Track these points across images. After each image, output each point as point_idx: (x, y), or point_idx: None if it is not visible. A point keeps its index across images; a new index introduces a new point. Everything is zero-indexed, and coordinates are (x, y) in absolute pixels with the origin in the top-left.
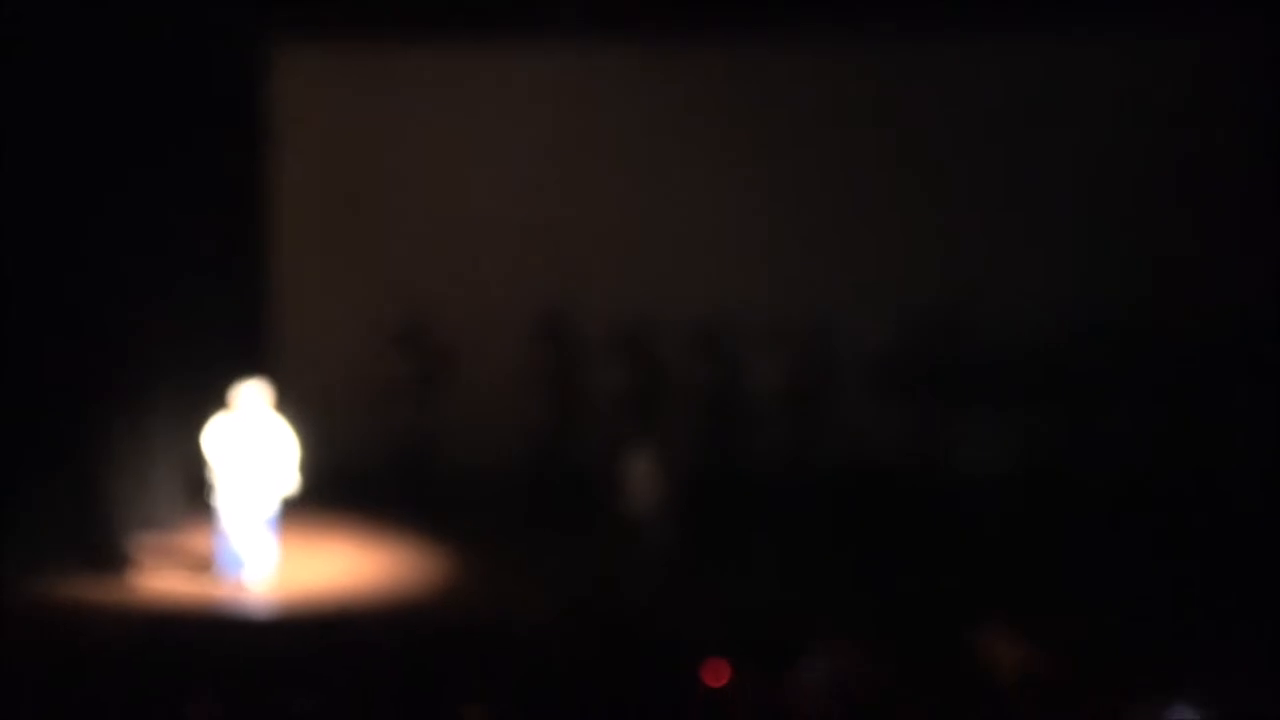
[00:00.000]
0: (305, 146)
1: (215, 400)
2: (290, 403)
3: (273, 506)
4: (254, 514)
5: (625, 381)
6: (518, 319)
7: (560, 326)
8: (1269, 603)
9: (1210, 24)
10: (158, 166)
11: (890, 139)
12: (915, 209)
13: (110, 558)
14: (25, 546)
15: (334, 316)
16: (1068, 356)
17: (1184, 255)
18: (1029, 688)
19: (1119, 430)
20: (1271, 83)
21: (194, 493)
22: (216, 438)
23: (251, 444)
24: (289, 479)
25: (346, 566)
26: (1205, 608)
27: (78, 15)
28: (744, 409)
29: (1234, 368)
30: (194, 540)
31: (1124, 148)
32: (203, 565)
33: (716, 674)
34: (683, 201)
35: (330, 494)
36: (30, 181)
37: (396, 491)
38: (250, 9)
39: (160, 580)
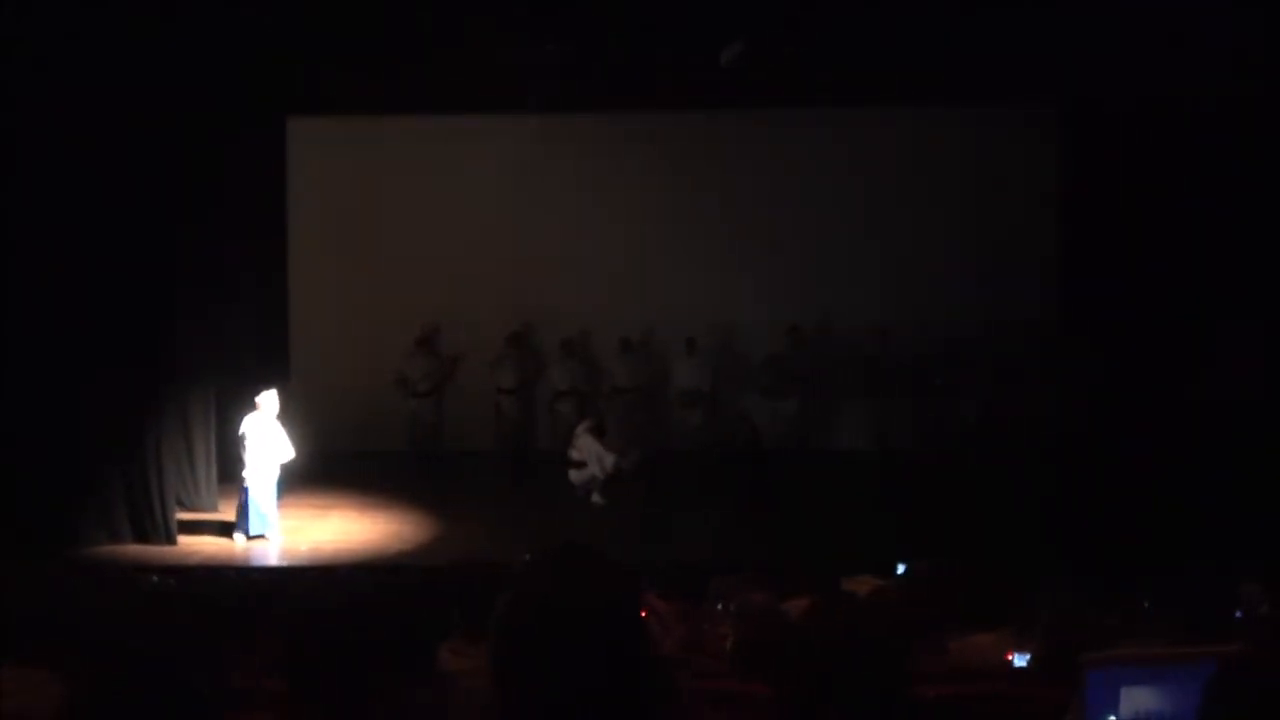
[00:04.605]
0: (317, 200)
1: (243, 406)
2: (306, 402)
3: (278, 478)
4: (267, 483)
5: (574, 379)
6: (493, 332)
7: (525, 337)
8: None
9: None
10: (204, 223)
11: (774, 203)
12: (792, 257)
13: (161, 524)
14: (97, 518)
15: (342, 335)
16: (902, 363)
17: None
18: (878, 609)
19: (938, 416)
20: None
21: (225, 473)
22: (245, 431)
23: (266, 434)
24: (288, 457)
25: (360, 526)
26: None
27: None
28: (665, 401)
29: (1022, 368)
30: (224, 508)
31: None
32: (230, 527)
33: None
34: (618, 242)
35: (349, 471)
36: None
37: (405, 467)
38: (277, 95)
39: (199, 539)
